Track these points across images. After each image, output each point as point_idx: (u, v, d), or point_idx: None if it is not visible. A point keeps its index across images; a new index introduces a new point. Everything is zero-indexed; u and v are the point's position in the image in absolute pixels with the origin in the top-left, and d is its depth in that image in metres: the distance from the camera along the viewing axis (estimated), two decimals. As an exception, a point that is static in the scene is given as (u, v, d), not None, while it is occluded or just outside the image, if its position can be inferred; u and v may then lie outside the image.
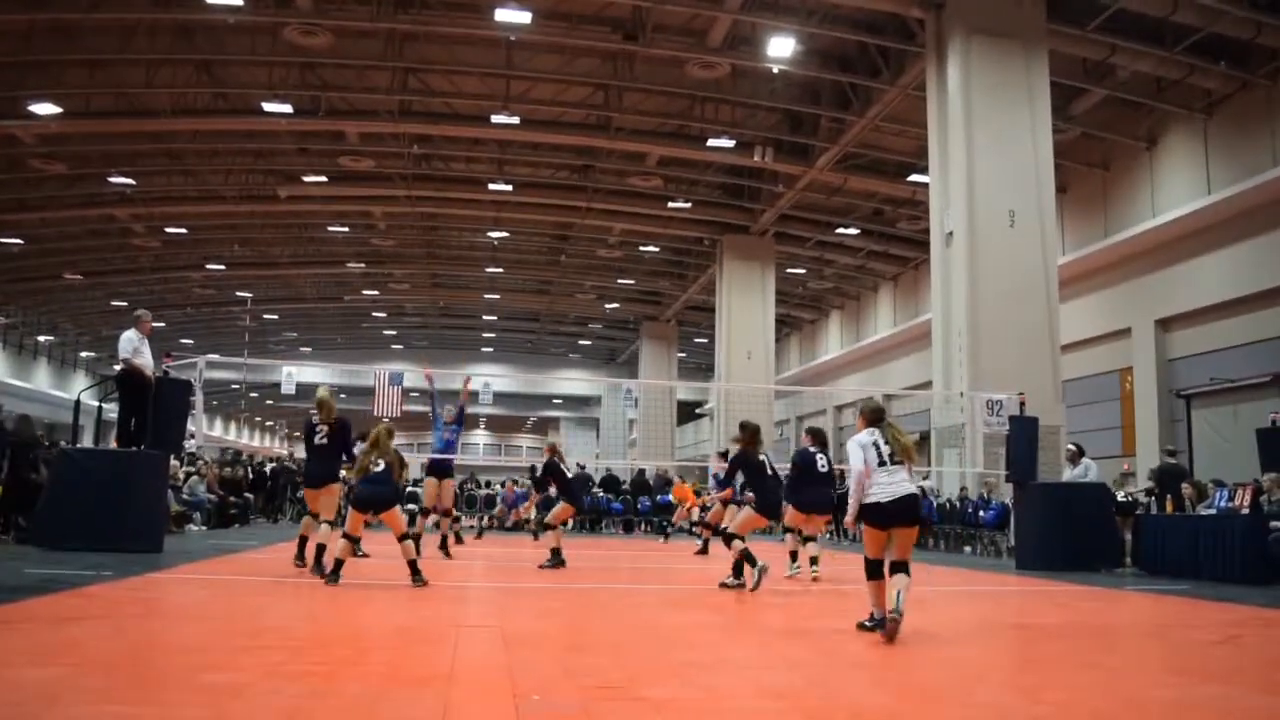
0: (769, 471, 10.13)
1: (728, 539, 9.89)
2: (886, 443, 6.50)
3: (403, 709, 3.84)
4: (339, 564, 8.61)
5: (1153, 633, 7.51)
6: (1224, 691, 4.85)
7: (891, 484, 6.37)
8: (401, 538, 8.88)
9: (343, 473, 10.30)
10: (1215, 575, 11.68)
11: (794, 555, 11.11)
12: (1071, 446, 15.06)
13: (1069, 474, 14.61)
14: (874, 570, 6.38)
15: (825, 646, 6.21)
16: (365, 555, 11.21)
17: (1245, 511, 12.20)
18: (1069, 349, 20.36)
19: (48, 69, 21.39)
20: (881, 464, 6.42)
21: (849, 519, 6.80)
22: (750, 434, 9.97)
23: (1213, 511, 12.85)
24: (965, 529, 18.90)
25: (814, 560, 10.89)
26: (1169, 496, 14.23)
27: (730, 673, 5.06)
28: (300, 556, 10.00)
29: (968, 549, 18.71)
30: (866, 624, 6.41)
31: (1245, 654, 6.45)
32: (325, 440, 9.75)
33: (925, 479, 20.83)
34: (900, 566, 6.28)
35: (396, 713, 3.77)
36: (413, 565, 8.74)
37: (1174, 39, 18.39)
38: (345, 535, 8.91)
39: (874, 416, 6.71)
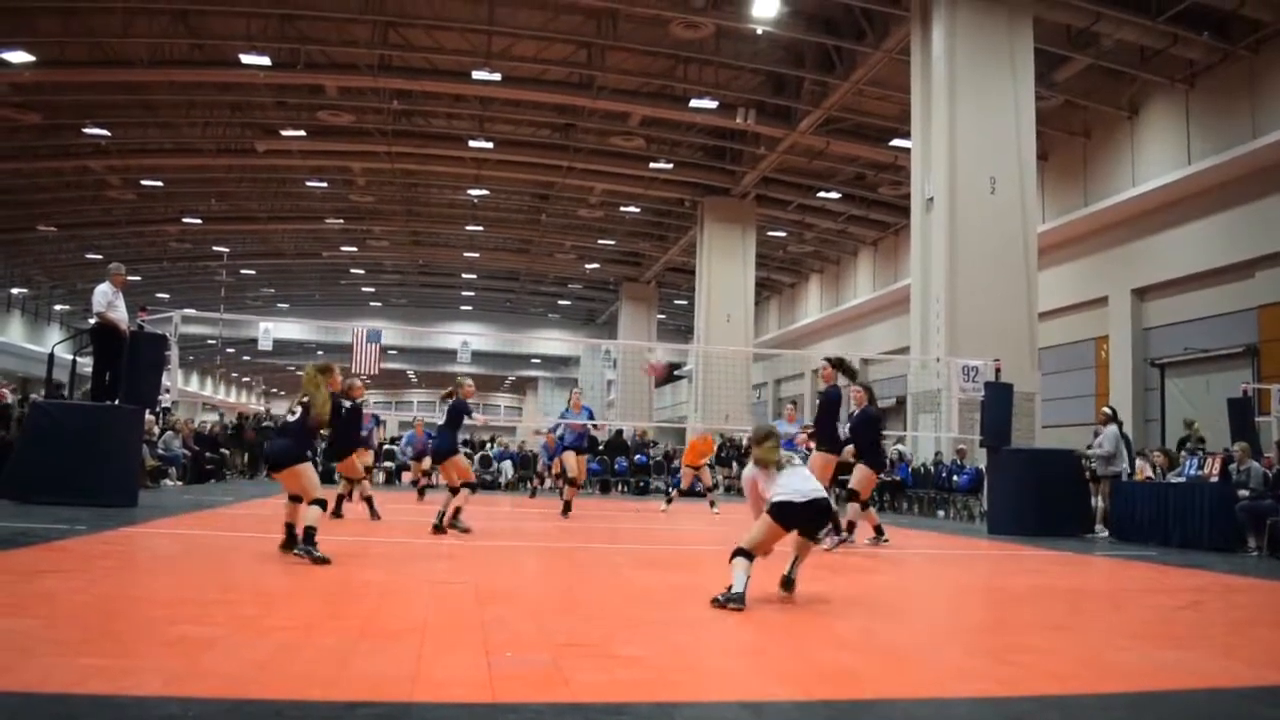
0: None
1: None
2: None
3: (376, 663, 3.86)
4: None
5: (1118, 597, 7.62)
6: (1183, 656, 4.94)
7: (802, 483, 6.01)
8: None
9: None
10: (1184, 542, 11.89)
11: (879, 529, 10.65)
12: (1107, 410, 14.64)
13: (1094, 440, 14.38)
14: (748, 553, 5.87)
15: (798, 608, 6.26)
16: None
17: (1214, 480, 12.38)
18: (1046, 316, 20.50)
19: (20, 16, 21.00)
20: (780, 467, 6.08)
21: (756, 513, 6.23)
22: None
23: (1183, 479, 13.03)
24: (939, 493, 19.10)
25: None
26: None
27: (702, 632, 5.11)
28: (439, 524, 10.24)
29: (941, 513, 18.90)
30: (721, 598, 5.67)
31: (1206, 619, 6.56)
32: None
33: (900, 443, 21.00)
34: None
35: (370, 666, 3.79)
36: (368, 501, 11.72)
37: (1158, 8, 18.38)
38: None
39: (760, 438, 6.22)
